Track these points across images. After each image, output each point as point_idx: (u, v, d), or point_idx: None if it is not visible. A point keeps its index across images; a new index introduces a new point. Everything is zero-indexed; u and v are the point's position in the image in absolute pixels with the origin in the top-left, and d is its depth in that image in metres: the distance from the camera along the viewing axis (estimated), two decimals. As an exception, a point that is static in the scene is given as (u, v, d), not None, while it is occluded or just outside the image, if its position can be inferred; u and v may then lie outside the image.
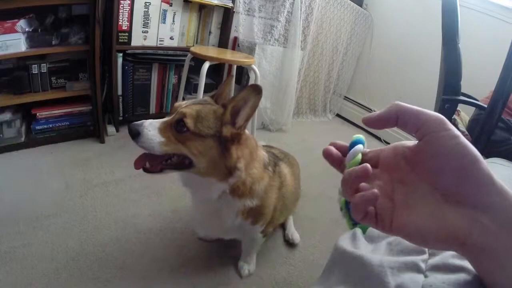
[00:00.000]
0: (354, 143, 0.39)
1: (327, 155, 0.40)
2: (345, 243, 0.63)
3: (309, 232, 1.60)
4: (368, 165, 0.34)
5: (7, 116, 1.80)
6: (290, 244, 1.51)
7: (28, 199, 1.52)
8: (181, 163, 0.96)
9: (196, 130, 0.91)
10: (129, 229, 1.45)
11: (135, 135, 0.90)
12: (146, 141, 0.90)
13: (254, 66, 1.95)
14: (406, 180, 0.34)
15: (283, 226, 1.58)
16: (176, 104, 1.00)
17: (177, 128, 0.92)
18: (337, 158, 0.40)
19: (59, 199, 1.55)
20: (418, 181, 0.33)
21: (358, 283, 0.50)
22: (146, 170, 0.96)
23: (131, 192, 1.68)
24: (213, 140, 0.93)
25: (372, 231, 0.63)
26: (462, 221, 0.30)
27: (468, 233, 0.29)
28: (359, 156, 0.37)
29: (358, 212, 0.34)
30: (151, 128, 0.91)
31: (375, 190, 0.32)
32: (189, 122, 0.91)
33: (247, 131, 1.03)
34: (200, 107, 0.95)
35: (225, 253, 1.40)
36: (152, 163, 0.96)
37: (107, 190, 1.67)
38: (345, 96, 3.24)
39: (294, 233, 1.53)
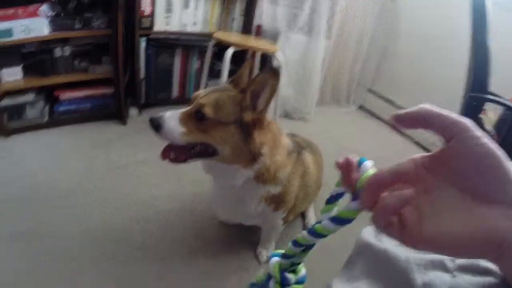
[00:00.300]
0: (362, 161, 0.38)
1: (346, 162, 0.38)
2: (368, 235, 0.61)
3: (329, 222, 1.57)
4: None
5: (30, 97, 1.84)
6: (309, 233, 1.48)
7: (49, 178, 1.55)
8: (205, 152, 0.98)
9: (216, 118, 0.92)
10: (149, 210, 1.45)
11: (157, 127, 0.92)
12: (168, 132, 0.92)
13: (277, 54, 1.92)
14: (430, 189, 0.33)
15: (303, 215, 1.55)
16: (196, 93, 1.01)
17: (198, 118, 0.93)
18: (352, 170, 0.38)
19: (80, 179, 1.57)
20: (444, 186, 0.32)
21: (383, 278, 0.49)
22: (171, 160, 0.99)
23: (152, 174, 1.68)
24: (235, 126, 0.93)
25: None
26: (497, 220, 0.28)
27: (504, 232, 0.28)
28: (372, 170, 0.36)
29: (385, 217, 0.32)
30: (172, 119, 0.93)
31: (410, 190, 0.31)
32: (209, 111, 0.92)
33: (270, 116, 1.02)
34: (219, 94, 0.96)
35: (244, 237, 1.39)
36: (176, 153, 0.98)
37: (128, 171, 1.68)
38: (369, 88, 3.17)
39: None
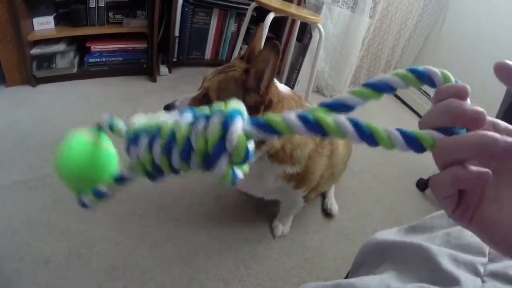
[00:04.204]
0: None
1: None
2: (389, 235, 0.59)
3: (348, 205, 1.53)
4: None
5: (61, 46, 1.82)
6: (327, 213, 1.46)
7: (74, 127, 1.54)
8: None
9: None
10: (170, 170, 1.44)
11: None
12: None
13: (319, 25, 1.83)
14: (501, 170, 0.27)
15: (323, 195, 1.52)
16: (205, 75, 0.96)
17: (204, 103, 0.88)
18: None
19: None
20: None
21: (413, 268, 0.49)
22: None
23: (177, 133, 1.66)
24: None
25: (425, 220, 0.60)
26: None
27: None
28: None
29: (450, 188, 0.26)
30: (182, 106, 0.90)
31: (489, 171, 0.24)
32: (213, 96, 0.88)
33: (287, 92, 0.96)
34: (222, 76, 0.90)
35: (262, 209, 1.37)
36: None
37: (154, 128, 1.66)
38: (404, 75, 3.04)
39: (333, 204, 1.47)
